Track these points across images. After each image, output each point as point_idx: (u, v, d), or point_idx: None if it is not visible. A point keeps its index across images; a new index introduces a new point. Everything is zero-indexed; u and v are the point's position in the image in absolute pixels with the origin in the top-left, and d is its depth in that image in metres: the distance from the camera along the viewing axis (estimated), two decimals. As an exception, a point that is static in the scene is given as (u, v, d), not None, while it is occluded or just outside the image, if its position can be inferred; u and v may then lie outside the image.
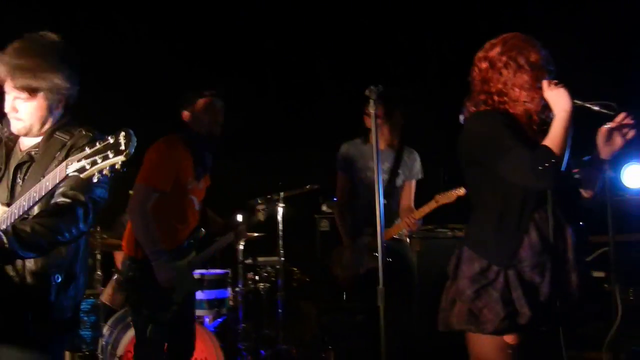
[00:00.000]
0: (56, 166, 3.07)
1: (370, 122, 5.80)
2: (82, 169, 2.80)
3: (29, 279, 3.20)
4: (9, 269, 3.20)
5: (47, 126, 3.40)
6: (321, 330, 7.99)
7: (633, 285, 6.50)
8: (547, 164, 3.22)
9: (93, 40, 7.50)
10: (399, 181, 6.07)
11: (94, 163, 2.77)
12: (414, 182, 6.16)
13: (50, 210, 3.15)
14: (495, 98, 3.49)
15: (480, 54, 3.63)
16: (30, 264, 3.20)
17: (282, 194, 7.24)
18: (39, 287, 3.23)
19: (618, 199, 6.41)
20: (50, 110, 3.36)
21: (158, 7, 8.64)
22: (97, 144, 2.79)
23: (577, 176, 3.71)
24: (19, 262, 3.19)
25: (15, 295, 3.21)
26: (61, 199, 3.15)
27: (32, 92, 3.26)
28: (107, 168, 2.77)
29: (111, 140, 2.76)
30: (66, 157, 3.18)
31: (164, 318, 4.87)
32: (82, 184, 3.11)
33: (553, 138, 3.29)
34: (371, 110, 3.83)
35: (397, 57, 9.14)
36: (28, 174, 3.30)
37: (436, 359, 6.35)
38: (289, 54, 9.44)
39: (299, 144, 8.94)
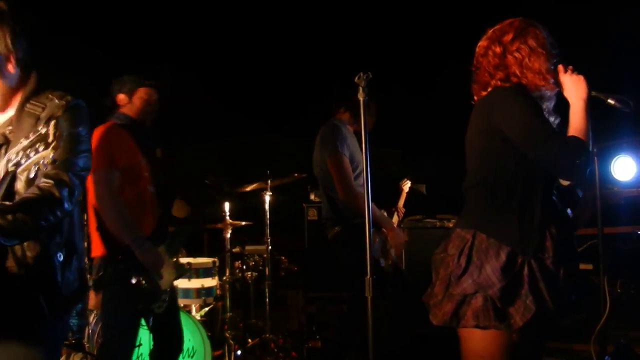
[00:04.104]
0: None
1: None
2: (18, 164, 2.74)
3: (31, 263, 3.14)
4: (10, 258, 3.13)
5: (8, 92, 3.23)
6: (308, 319, 7.99)
7: (621, 278, 6.51)
8: (582, 157, 3.22)
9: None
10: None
11: (27, 157, 2.71)
12: None
13: (33, 194, 3.06)
14: (514, 79, 3.44)
15: (485, 42, 3.58)
16: (30, 250, 3.14)
17: (269, 182, 7.23)
18: (44, 270, 3.15)
19: (607, 192, 6.40)
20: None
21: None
22: (33, 133, 2.72)
23: None
24: (18, 249, 3.10)
25: (22, 283, 3.15)
26: (43, 181, 3.06)
27: None
28: (41, 162, 2.71)
29: (42, 131, 2.70)
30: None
31: (159, 309, 4.74)
32: (63, 160, 3.03)
33: (578, 129, 3.29)
34: (360, 97, 3.79)
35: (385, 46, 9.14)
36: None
37: (423, 348, 6.33)
38: (282, 44, 9.44)
39: (287, 132, 8.93)
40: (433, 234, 7.41)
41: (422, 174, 6.68)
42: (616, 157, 6.52)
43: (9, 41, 3.19)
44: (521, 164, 3.32)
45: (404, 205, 7.14)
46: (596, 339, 5.48)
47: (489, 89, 3.52)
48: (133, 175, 4.79)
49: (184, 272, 5.24)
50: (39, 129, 2.71)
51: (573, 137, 3.27)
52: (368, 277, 3.68)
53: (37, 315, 3.16)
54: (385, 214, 6.10)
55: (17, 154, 2.72)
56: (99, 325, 6.16)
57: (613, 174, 6.59)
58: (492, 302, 3.20)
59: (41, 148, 2.68)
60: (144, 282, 4.61)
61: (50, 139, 2.67)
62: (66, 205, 3.12)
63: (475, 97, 3.64)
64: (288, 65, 9.71)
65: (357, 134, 5.80)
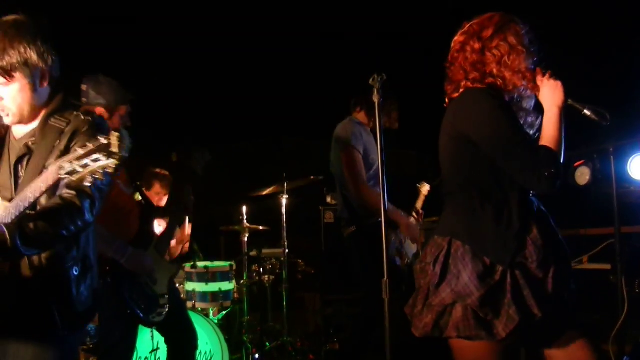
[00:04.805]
0: (57, 157, 3.03)
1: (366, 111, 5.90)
2: (73, 172, 2.74)
3: (48, 275, 3.16)
4: (26, 268, 3.14)
5: (37, 107, 3.29)
6: (326, 322, 7.99)
7: (639, 277, 6.47)
8: (552, 170, 3.10)
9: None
10: None
11: (85, 166, 2.72)
12: None
13: (55, 204, 3.08)
14: (490, 79, 3.32)
15: (462, 37, 3.45)
16: (47, 260, 3.15)
17: (286, 185, 7.24)
18: (59, 282, 3.19)
19: (624, 191, 6.36)
20: (34, 88, 3.24)
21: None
22: (91, 143, 2.74)
23: None
24: (35, 259, 3.13)
25: (37, 294, 3.15)
26: (66, 192, 3.08)
27: (7, 73, 3.15)
28: (100, 172, 2.73)
29: (104, 142, 2.70)
30: (68, 145, 3.13)
31: (159, 317, 4.72)
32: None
33: (551, 139, 3.20)
34: (375, 99, 3.80)
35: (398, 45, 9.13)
36: (28, 167, 3.21)
37: (438, 349, 6.31)
38: (295, 45, 9.44)
39: (302, 133, 8.93)
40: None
41: (436, 175, 6.63)
42: (633, 156, 6.47)
43: (49, 58, 3.25)
44: (495, 169, 3.22)
45: (422, 208, 7.09)
46: (614, 339, 5.46)
47: (461, 90, 3.41)
48: None
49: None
50: (100, 139, 2.71)
51: (544, 147, 3.18)
52: (385, 279, 3.67)
53: (50, 326, 3.18)
54: (397, 209, 6.09)
55: (71, 162, 2.74)
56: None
57: (630, 173, 6.53)
58: (472, 312, 3.09)
59: (103, 158, 2.69)
60: (135, 295, 4.57)
61: (115, 149, 2.69)
62: (87, 216, 3.14)
63: (447, 99, 3.52)
64: (302, 66, 9.71)
65: (375, 133, 5.78)
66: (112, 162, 2.71)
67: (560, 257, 3.26)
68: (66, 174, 2.76)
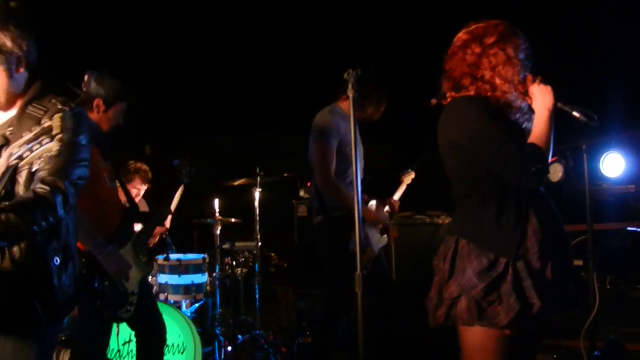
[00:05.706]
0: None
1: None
2: (21, 157, 2.73)
3: (28, 266, 3.11)
4: (7, 261, 3.07)
5: (14, 94, 3.21)
6: (298, 315, 7.99)
7: (610, 274, 6.53)
8: (538, 165, 3.26)
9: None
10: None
11: (31, 150, 2.70)
12: None
13: (28, 198, 3.02)
14: (479, 84, 3.45)
15: (466, 36, 3.57)
16: (27, 252, 3.10)
17: (259, 179, 7.23)
18: (40, 273, 3.15)
19: (596, 188, 6.41)
20: (9, 74, 3.16)
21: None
22: (37, 126, 2.72)
23: None
24: (16, 252, 3.08)
25: (18, 285, 3.11)
26: (39, 186, 3.02)
27: None
28: (45, 155, 2.70)
29: (46, 125, 2.69)
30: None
31: (127, 314, 4.70)
32: (61, 168, 3.02)
33: (539, 137, 3.34)
34: (349, 94, 3.79)
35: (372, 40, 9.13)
36: (4, 157, 3.10)
37: (412, 343, 6.34)
38: (273, 40, 9.42)
39: (277, 129, 8.91)
40: (422, 231, 7.37)
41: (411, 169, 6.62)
42: (605, 153, 6.53)
43: (24, 43, 3.19)
44: (491, 170, 3.36)
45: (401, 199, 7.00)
46: (586, 334, 5.50)
47: (449, 100, 3.56)
48: (91, 177, 4.62)
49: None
50: (43, 123, 2.70)
51: (531, 144, 3.32)
52: (358, 272, 3.69)
53: (32, 319, 3.14)
54: (373, 203, 6.07)
55: (20, 147, 2.72)
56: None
57: (602, 170, 6.60)
58: (475, 303, 3.30)
59: (45, 141, 2.68)
60: (107, 289, 4.54)
61: (55, 131, 2.67)
62: (60, 212, 3.10)
63: (441, 97, 3.64)
64: (278, 61, 9.70)
65: (360, 122, 5.73)
66: (52, 146, 2.69)
67: (561, 252, 3.43)
68: (15, 159, 2.74)
